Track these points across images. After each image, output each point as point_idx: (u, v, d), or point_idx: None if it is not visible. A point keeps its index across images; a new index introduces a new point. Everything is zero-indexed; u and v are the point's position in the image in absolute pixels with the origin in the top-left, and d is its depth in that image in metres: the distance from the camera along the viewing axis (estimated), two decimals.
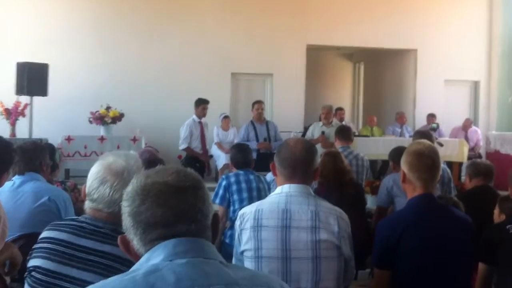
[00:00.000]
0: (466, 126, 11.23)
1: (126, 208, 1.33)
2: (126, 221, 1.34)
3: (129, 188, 1.35)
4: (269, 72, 11.20)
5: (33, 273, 2.08)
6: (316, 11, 11.19)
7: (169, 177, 1.33)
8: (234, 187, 4.60)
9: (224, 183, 4.64)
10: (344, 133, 6.09)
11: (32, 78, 8.11)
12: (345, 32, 11.39)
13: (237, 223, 2.55)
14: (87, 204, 2.17)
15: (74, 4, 10.31)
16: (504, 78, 11.81)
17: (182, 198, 1.31)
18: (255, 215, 2.45)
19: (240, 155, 4.79)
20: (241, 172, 4.71)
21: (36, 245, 2.15)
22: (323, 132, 7.85)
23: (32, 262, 2.11)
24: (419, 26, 11.65)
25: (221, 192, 4.63)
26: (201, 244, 1.30)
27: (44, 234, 2.16)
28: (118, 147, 9.21)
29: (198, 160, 7.84)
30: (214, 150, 9.93)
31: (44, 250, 2.10)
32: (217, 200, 4.61)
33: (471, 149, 10.42)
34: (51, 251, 2.08)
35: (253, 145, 7.90)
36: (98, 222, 2.10)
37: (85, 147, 9.16)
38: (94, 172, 2.17)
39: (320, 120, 8.47)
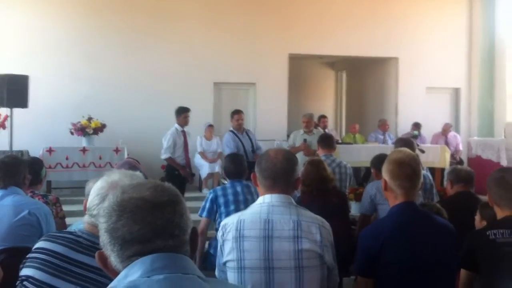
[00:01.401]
0: (445, 130, 11.39)
1: (103, 224, 1.32)
2: (103, 237, 1.32)
3: (106, 204, 1.34)
4: (251, 81, 11.23)
5: (25, 282, 2.06)
6: (297, 21, 11.26)
7: (146, 192, 1.32)
8: (221, 200, 4.61)
9: (211, 196, 4.67)
10: (327, 142, 6.12)
11: (12, 90, 8.01)
12: (326, 41, 11.48)
13: (219, 234, 2.54)
14: (86, 219, 2.16)
15: (54, 15, 10.25)
16: (485, 85, 11.98)
17: (159, 213, 1.29)
18: (237, 226, 2.45)
19: (233, 166, 4.79)
20: (228, 185, 4.73)
21: (30, 255, 2.13)
22: (305, 140, 7.87)
23: (25, 272, 2.08)
24: (400, 34, 11.78)
25: (208, 205, 4.66)
26: (179, 260, 1.29)
27: (40, 244, 2.14)
28: (100, 158, 9.17)
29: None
30: (198, 160, 9.90)
31: (38, 260, 2.07)
32: (204, 213, 4.65)
33: (452, 155, 10.54)
34: (45, 263, 2.05)
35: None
36: (95, 238, 2.06)
37: (67, 159, 9.09)
38: (97, 188, 2.15)
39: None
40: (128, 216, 1.28)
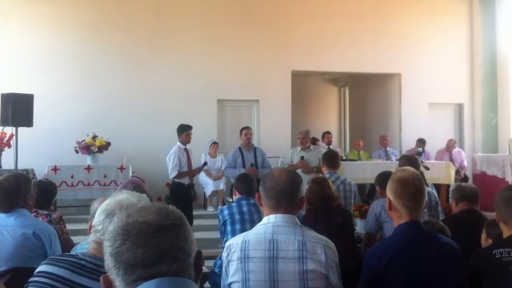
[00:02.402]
0: (450, 146, 11.37)
1: (107, 248, 1.32)
2: (108, 261, 1.32)
3: (111, 228, 1.34)
4: (255, 98, 11.27)
5: None
6: (300, 38, 11.32)
7: (150, 216, 1.32)
8: (228, 219, 4.65)
9: (220, 217, 4.79)
10: (331, 159, 6.09)
11: (17, 109, 8.05)
12: (329, 58, 11.53)
13: (224, 254, 2.53)
14: (91, 237, 2.17)
15: (58, 34, 10.34)
16: (487, 100, 11.97)
17: (163, 237, 1.30)
18: (242, 247, 2.44)
19: (245, 186, 4.87)
20: (234, 204, 4.76)
21: (32, 278, 2.12)
22: (302, 157, 7.86)
23: None
24: (402, 50, 11.83)
25: (220, 226, 4.82)
26: (183, 284, 1.29)
27: (42, 268, 2.13)
28: (105, 176, 9.19)
29: (183, 187, 7.76)
30: (202, 177, 9.90)
31: (40, 284, 2.06)
32: (219, 235, 4.92)
33: (457, 171, 10.51)
34: (48, 286, 2.04)
35: (240, 171, 7.89)
36: (98, 261, 2.06)
37: (72, 177, 9.13)
38: (104, 205, 2.18)
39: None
40: (132, 240, 1.29)
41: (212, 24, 10.93)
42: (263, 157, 8.18)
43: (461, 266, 2.64)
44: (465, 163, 11.45)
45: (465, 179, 10.93)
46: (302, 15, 11.37)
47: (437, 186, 9.23)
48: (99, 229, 2.12)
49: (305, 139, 8.07)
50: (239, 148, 8.07)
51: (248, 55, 11.06)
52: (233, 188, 5.17)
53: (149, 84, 10.62)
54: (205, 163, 8.09)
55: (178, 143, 7.82)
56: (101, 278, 1.36)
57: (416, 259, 2.47)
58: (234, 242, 2.50)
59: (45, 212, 4.41)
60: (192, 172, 7.85)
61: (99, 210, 2.17)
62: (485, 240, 3.47)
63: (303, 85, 13.91)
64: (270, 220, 2.49)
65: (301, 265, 2.37)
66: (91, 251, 2.15)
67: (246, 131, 8.10)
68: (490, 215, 4.52)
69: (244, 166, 7.81)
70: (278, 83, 11.28)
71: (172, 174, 7.64)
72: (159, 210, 1.35)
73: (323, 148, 9.84)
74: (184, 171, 7.69)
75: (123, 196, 2.21)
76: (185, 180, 7.79)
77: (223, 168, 9.70)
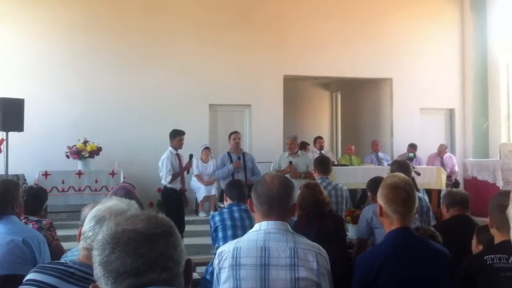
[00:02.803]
0: (441, 151, 11.43)
1: (96, 257, 1.31)
2: (97, 270, 1.31)
3: (99, 237, 1.33)
4: (247, 103, 11.27)
5: None
6: (292, 42, 11.35)
7: (139, 224, 1.31)
8: (219, 225, 4.64)
9: (211, 223, 4.76)
10: (323, 165, 6.11)
11: (8, 114, 8.02)
12: (321, 63, 11.56)
13: (216, 261, 2.52)
14: (81, 244, 2.15)
15: (49, 38, 10.29)
16: (478, 105, 12.05)
17: (153, 245, 1.29)
18: (233, 254, 2.43)
19: (236, 191, 4.86)
20: (225, 210, 4.75)
21: (21, 287, 2.09)
22: (290, 162, 7.87)
23: None
24: (394, 55, 11.89)
25: (212, 233, 4.79)
26: None
27: (31, 276, 2.11)
28: (96, 181, 9.15)
29: (175, 193, 7.74)
30: (194, 182, 9.88)
31: None
32: (211, 242, 4.85)
33: (448, 176, 10.56)
34: None
35: (229, 167, 7.91)
36: (87, 268, 2.04)
37: (63, 182, 9.09)
38: (94, 211, 2.16)
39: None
40: (121, 249, 1.28)
41: (205, 29, 10.92)
42: (253, 162, 8.19)
43: (452, 272, 2.64)
44: (456, 168, 11.52)
45: (456, 184, 10.99)
46: (294, 20, 11.40)
47: (428, 191, 9.27)
48: (89, 235, 2.11)
49: (293, 145, 8.09)
50: (228, 152, 8.08)
51: (240, 59, 11.06)
52: (224, 194, 5.16)
53: (141, 88, 10.58)
54: (191, 156, 7.99)
55: (170, 148, 7.80)
56: (90, 287, 1.35)
57: (407, 265, 2.47)
58: (226, 249, 2.48)
59: (35, 219, 4.38)
60: (183, 170, 7.81)
61: (89, 217, 2.16)
62: (475, 246, 3.47)
63: (295, 89, 13.94)
64: (261, 227, 2.48)
65: (292, 273, 2.36)
66: (81, 259, 2.13)
67: (234, 135, 8.15)
68: (481, 220, 4.54)
69: (233, 175, 7.83)
70: (270, 87, 11.29)
71: (167, 179, 7.61)
72: (148, 218, 1.34)
73: (310, 153, 9.87)
74: (177, 172, 7.68)
75: (113, 202, 2.20)
76: (177, 186, 7.76)
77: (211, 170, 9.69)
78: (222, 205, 5.46)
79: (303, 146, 10.34)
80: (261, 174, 8.68)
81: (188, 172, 8.11)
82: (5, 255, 3.29)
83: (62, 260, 2.57)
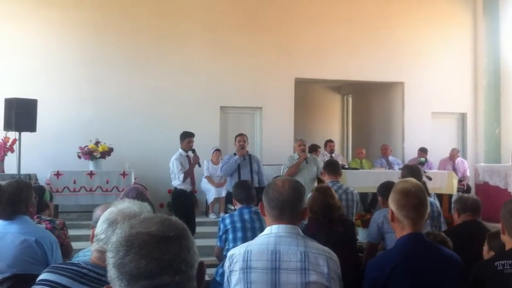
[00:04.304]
0: (453, 155, 11.35)
1: (110, 259, 1.32)
2: (111, 272, 1.32)
3: (114, 239, 1.34)
4: (258, 105, 11.28)
5: None
6: (303, 46, 11.35)
7: (153, 227, 1.32)
8: (229, 227, 4.65)
9: (221, 226, 4.75)
10: (333, 167, 6.10)
11: (21, 114, 8.09)
12: (332, 66, 11.55)
13: (226, 264, 2.53)
14: (94, 246, 2.17)
15: (62, 40, 10.36)
16: (491, 110, 11.97)
17: (166, 248, 1.30)
18: (244, 257, 2.44)
19: (244, 193, 4.83)
20: (235, 212, 4.76)
21: (34, 287, 2.12)
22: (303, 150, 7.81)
23: None
24: (406, 59, 11.84)
25: (220, 234, 4.78)
26: None
27: (44, 276, 2.13)
28: (107, 182, 9.20)
29: (185, 194, 7.76)
30: (204, 184, 9.90)
31: None
32: (218, 242, 4.82)
33: (460, 181, 10.49)
34: None
35: (235, 158, 7.88)
36: (100, 270, 2.06)
37: (74, 182, 9.13)
38: (107, 214, 2.18)
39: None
40: (135, 251, 1.29)
41: (216, 31, 10.94)
42: (259, 164, 8.19)
43: (463, 278, 2.63)
44: (468, 173, 11.44)
45: (468, 189, 10.92)
46: (305, 23, 11.40)
47: (440, 196, 9.22)
48: (102, 238, 2.13)
49: (303, 145, 8.06)
50: (234, 153, 8.10)
51: (252, 62, 11.07)
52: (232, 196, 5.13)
53: (152, 90, 10.62)
54: (194, 150, 7.96)
55: (180, 149, 7.84)
56: None
57: (418, 271, 2.47)
58: (236, 252, 2.50)
59: (48, 218, 4.44)
60: (193, 165, 7.82)
61: (102, 219, 2.18)
62: (487, 252, 3.45)
63: (306, 92, 13.94)
64: (272, 231, 2.49)
65: (303, 277, 2.37)
66: (93, 260, 2.15)
67: (239, 137, 8.13)
68: (492, 225, 4.52)
69: (239, 173, 7.80)
70: (281, 90, 11.29)
71: (180, 177, 7.64)
72: (162, 221, 1.35)
73: (320, 156, 9.85)
74: (186, 171, 7.71)
75: (125, 204, 2.21)
76: (187, 187, 7.79)
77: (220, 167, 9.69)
78: (232, 207, 5.46)
79: (314, 149, 10.32)
80: (267, 176, 8.72)
81: (200, 166, 8.09)
82: (17, 254, 3.33)
83: (73, 260, 2.60)
